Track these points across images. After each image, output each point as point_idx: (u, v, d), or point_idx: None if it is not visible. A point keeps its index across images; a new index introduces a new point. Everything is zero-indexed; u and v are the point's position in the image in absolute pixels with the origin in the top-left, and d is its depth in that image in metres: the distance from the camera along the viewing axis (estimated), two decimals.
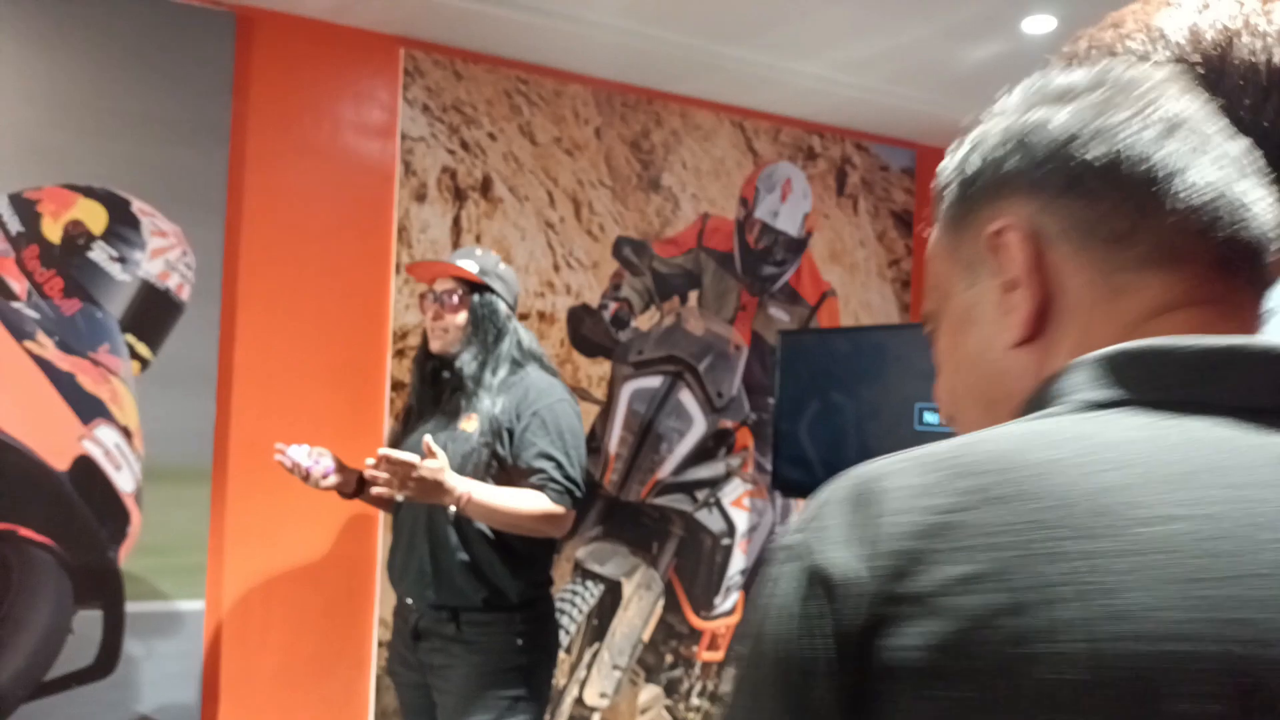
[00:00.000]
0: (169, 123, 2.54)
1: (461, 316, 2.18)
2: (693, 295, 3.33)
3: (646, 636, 3.22)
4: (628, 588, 3.18)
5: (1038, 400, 0.55)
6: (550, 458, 2.09)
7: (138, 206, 2.50)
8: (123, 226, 2.48)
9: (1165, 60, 0.66)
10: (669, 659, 3.27)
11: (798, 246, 3.53)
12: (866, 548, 0.47)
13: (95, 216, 2.45)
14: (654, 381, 3.25)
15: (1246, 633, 0.43)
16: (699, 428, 3.33)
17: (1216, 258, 0.53)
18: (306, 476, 2.12)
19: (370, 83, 2.84)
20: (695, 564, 3.31)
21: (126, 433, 2.47)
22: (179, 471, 2.54)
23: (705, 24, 2.83)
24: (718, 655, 3.36)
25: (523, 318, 3.01)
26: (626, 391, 3.20)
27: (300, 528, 2.72)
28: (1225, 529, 0.45)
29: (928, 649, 0.44)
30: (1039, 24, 2.73)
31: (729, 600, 3.38)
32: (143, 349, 2.50)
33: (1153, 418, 0.49)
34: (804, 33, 2.86)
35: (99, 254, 2.45)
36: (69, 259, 2.42)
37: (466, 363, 2.16)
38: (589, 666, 3.12)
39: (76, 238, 2.43)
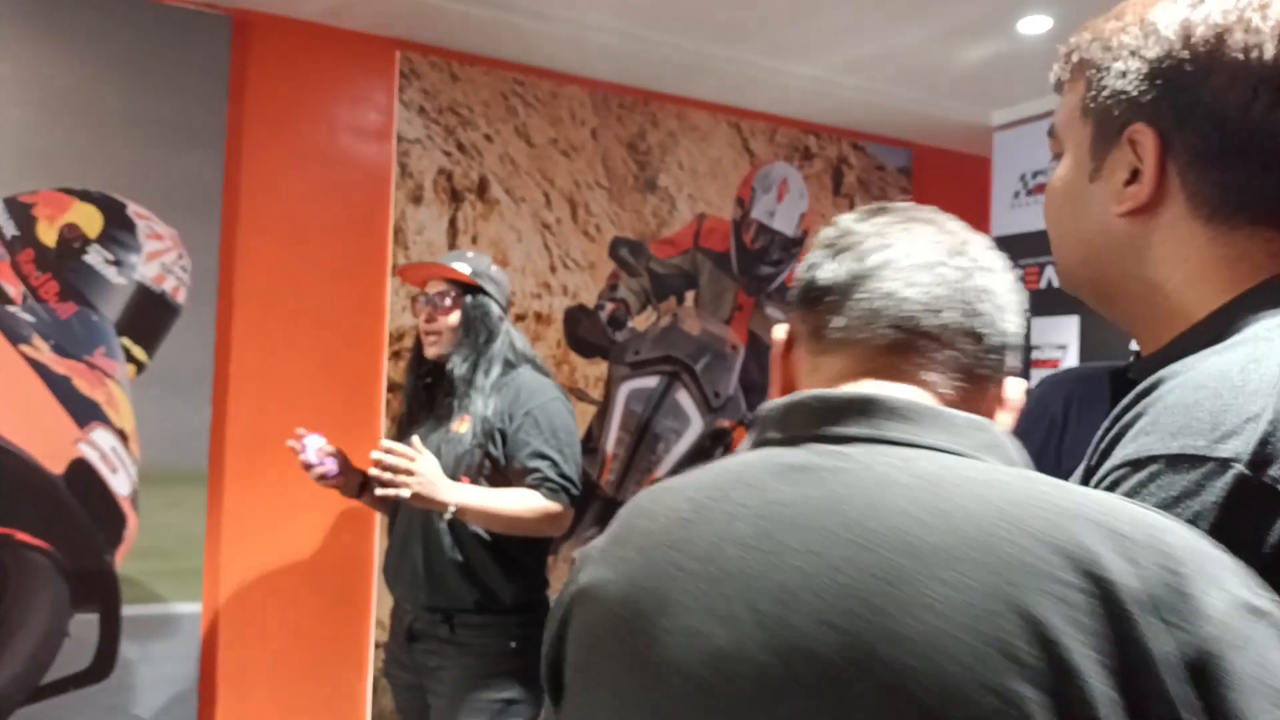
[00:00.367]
0: (165, 126, 2.53)
1: (454, 318, 2.18)
2: (689, 295, 3.33)
3: None
4: None
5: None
6: (544, 456, 2.09)
7: (133, 209, 2.49)
8: (118, 230, 2.48)
9: (1151, 56, 0.71)
10: None
11: (794, 246, 3.53)
12: None
13: (91, 220, 2.45)
14: (651, 382, 3.25)
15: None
16: (696, 428, 3.33)
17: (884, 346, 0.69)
18: (309, 468, 2.14)
19: (366, 85, 2.84)
20: None
21: (122, 436, 2.47)
22: (175, 474, 2.54)
23: (701, 25, 2.83)
24: None
25: (519, 319, 3.01)
26: (623, 392, 3.20)
27: (297, 530, 2.72)
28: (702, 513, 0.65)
29: None
30: (1035, 24, 2.73)
31: None
32: (139, 352, 2.50)
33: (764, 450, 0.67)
34: (800, 34, 2.86)
35: (94, 257, 2.45)
36: (64, 262, 2.42)
37: (458, 364, 2.16)
38: None
39: (72, 241, 2.43)
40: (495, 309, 2.20)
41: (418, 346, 2.28)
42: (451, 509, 1.98)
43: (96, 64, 2.47)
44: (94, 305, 2.45)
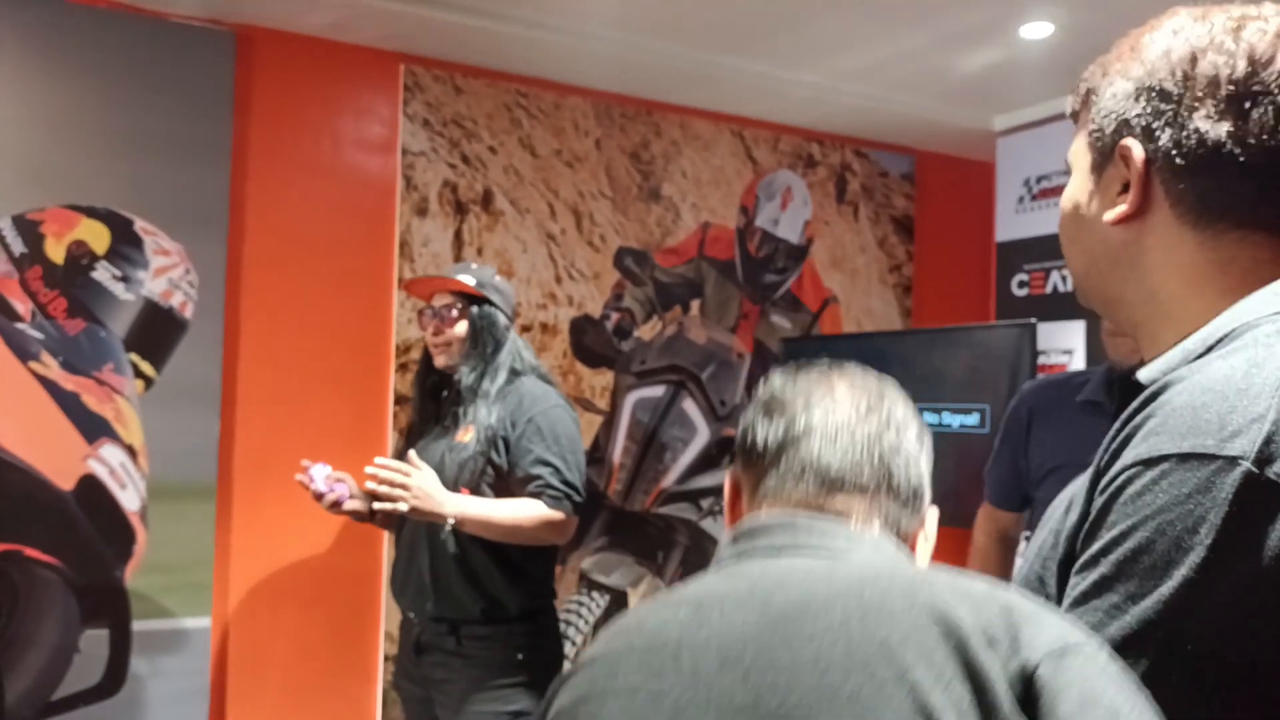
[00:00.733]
0: (170, 142, 2.55)
1: (461, 328, 2.18)
2: (694, 304, 3.33)
3: None
4: (634, 598, 3.18)
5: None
6: (547, 463, 2.08)
7: (140, 226, 2.51)
8: (125, 246, 2.49)
9: (1136, 76, 0.78)
10: None
11: (799, 254, 3.53)
12: None
13: (98, 236, 2.46)
14: (657, 391, 3.26)
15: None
16: (703, 436, 3.33)
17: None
18: (320, 498, 2.14)
19: (371, 99, 2.85)
20: (701, 572, 3.31)
21: (131, 451, 2.47)
22: (184, 489, 2.55)
23: (703, 35, 2.84)
24: None
25: (525, 329, 3.01)
26: (630, 401, 3.21)
27: (306, 543, 2.73)
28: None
29: None
30: (1037, 30, 2.74)
31: None
32: (146, 367, 2.51)
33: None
34: (802, 42, 2.87)
35: (102, 274, 2.46)
36: (72, 279, 2.43)
37: (465, 374, 2.16)
38: None
39: (80, 258, 2.44)
40: (501, 319, 2.21)
41: (425, 358, 2.28)
42: (451, 521, 1.99)
43: (102, 81, 2.48)
44: (102, 321, 2.45)
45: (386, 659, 2.76)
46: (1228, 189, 0.74)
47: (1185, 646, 0.62)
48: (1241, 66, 0.73)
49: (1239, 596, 0.61)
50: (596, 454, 3.14)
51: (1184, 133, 0.74)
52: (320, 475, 2.15)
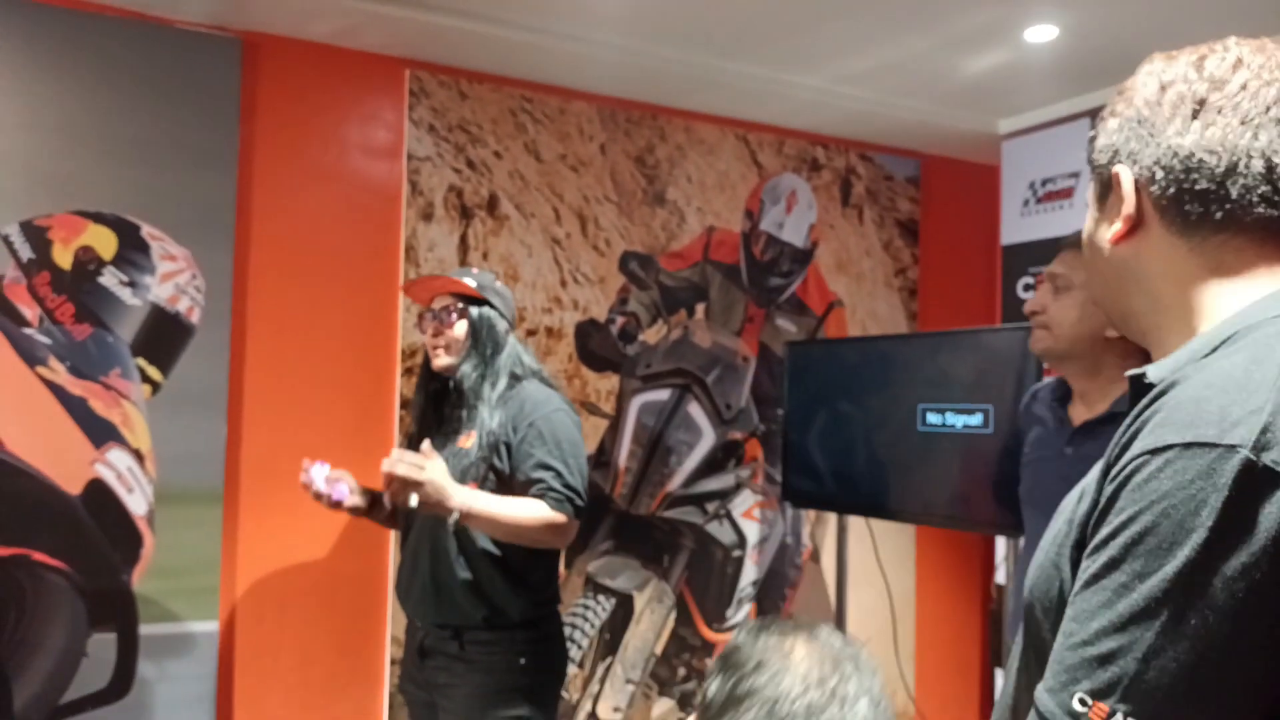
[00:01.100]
0: (177, 148, 2.56)
1: (460, 328, 2.17)
2: (700, 308, 3.34)
3: (659, 649, 3.23)
4: (639, 601, 3.19)
5: None
6: (549, 467, 2.07)
7: (147, 231, 2.52)
8: (132, 251, 2.50)
9: (1125, 111, 0.89)
10: (682, 672, 3.27)
11: (804, 257, 3.53)
12: None
13: (105, 242, 2.47)
14: (662, 394, 3.26)
15: None
16: (708, 440, 3.33)
17: None
18: (318, 497, 2.15)
19: (376, 104, 2.86)
20: (707, 576, 3.31)
21: (138, 456, 2.48)
22: (191, 494, 2.55)
23: (707, 39, 2.84)
24: None
25: (530, 334, 3.02)
26: (635, 405, 3.21)
27: (312, 548, 2.73)
28: None
29: None
30: (1041, 33, 2.74)
31: (741, 612, 3.37)
32: (154, 372, 2.52)
33: None
34: (806, 45, 2.87)
35: (109, 279, 2.47)
36: (80, 284, 2.44)
37: (466, 374, 2.16)
38: (602, 680, 3.12)
39: (87, 263, 2.45)
40: (501, 322, 2.20)
41: (425, 364, 2.28)
42: (456, 514, 1.97)
43: (108, 87, 2.50)
44: (109, 326, 2.47)
45: (393, 663, 2.77)
46: (1205, 197, 0.82)
47: (1189, 622, 0.67)
48: (1202, 89, 0.84)
49: (1238, 574, 0.66)
50: (602, 458, 3.14)
51: (1160, 150, 0.84)
52: (319, 475, 2.15)
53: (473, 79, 2.97)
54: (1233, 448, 0.68)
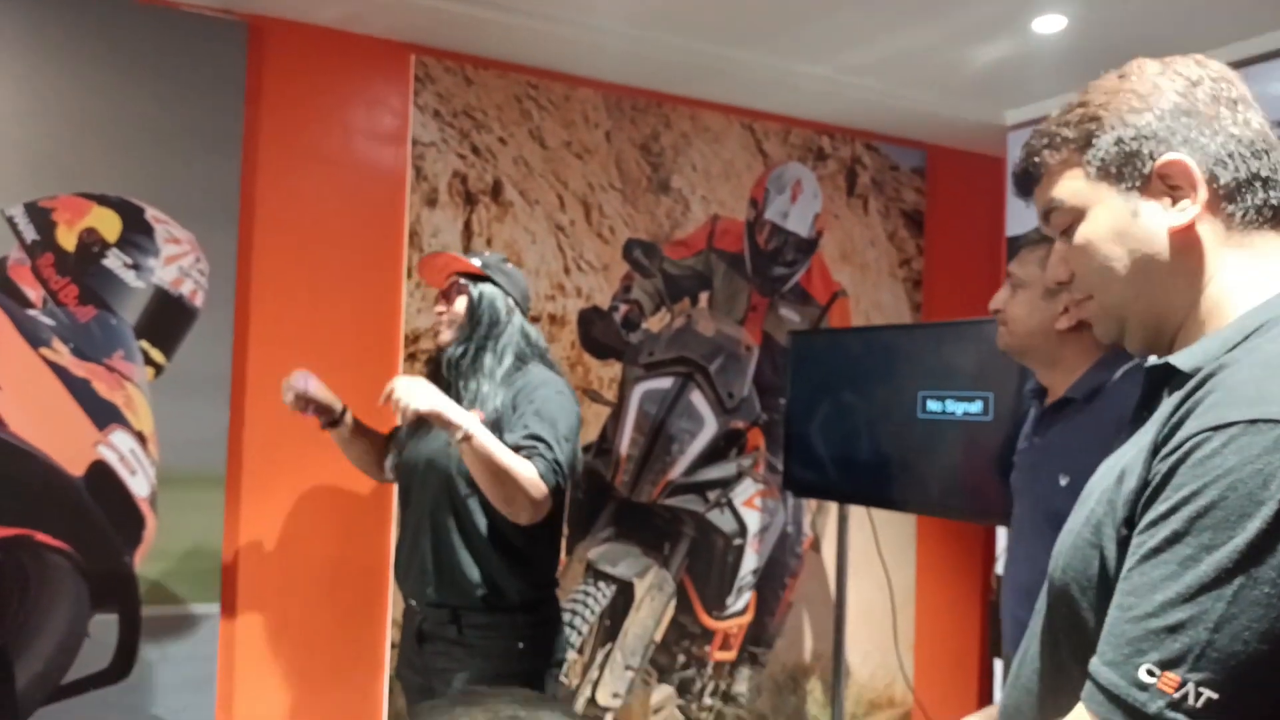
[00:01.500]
0: (182, 131, 2.56)
1: (461, 304, 2.19)
2: (703, 297, 3.33)
3: (659, 637, 3.23)
4: (640, 588, 3.19)
5: None
6: (540, 439, 2.04)
7: (151, 214, 2.52)
8: (137, 234, 2.50)
9: (1154, 107, 0.91)
10: (681, 659, 3.28)
11: (808, 247, 3.53)
12: None
13: (109, 224, 2.47)
14: (665, 383, 3.26)
15: None
16: (710, 429, 3.33)
17: None
18: (297, 399, 2.24)
19: (381, 89, 2.85)
20: (707, 564, 3.32)
21: (141, 438, 2.49)
22: (193, 476, 2.56)
23: (713, 27, 2.83)
24: (730, 655, 3.36)
25: (534, 320, 3.02)
26: (637, 393, 3.21)
27: (314, 531, 2.74)
28: None
29: None
30: (1050, 24, 2.72)
31: (741, 600, 3.38)
32: (157, 355, 2.52)
33: None
34: (812, 34, 2.86)
35: (113, 261, 2.47)
36: (84, 266, 2.44)
37: (455, 349, 2.17)
38: (601, 667, 3.13)
39: (91, 245, 2.45)
40: (503, 299, 2.20)
41: (438, 349, 2.30)
42: (463, 431, 1.93)
43: (114, 70, 2.49)
44: (113, 309, 2.47)
45: (394, 647, 2.78)
46: (1268, 184, 0.86)
47: (1261, 589, 0.69)
48: (1226, 88, 0.89)
49: None
50: (604, 445, 3.15)
51: (1224, 138, 0.86)
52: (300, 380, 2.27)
53: (478, 65, 2.97)
54: None
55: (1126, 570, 0.76)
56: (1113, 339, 0.96)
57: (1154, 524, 0.75)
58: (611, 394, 3.17)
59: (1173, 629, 0.71)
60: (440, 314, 2.23)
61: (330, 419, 2.32)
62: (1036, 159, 0.95)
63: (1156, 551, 0.74)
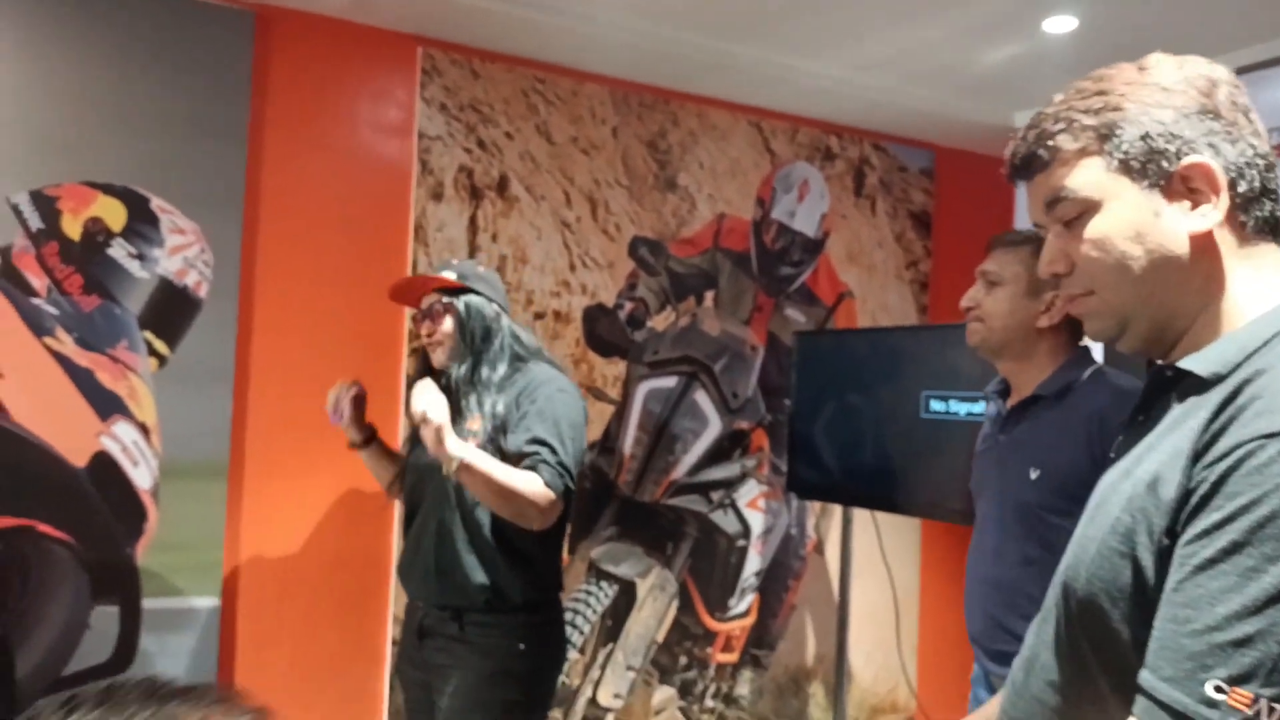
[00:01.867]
0: (188, 120, 2.55)
1: (449, 323, 2.17)
2: (709, 295, 3.32)
3: (661, 637, 3.22)
4: (642, 588, 3.18)
5: None
6: (544, 442, 2.03)
7: (157, 204, 2.51)
8: (142, 224, 2.49)
9: (1175, 104, 0.89)
10: (683, 660, 3.26)
11: (815, 247, 3.51)
12: None
13: (114, 214, 2.47)
14: (669, 382, 3.25)
15: None
16: (714, 428, 3.32)
17: None
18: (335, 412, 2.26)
19: (388, 81, 2.85)
20: (710, 565, 3.30)
21: (144, 429, 2.48)
22: (196, 468, 2.55)
23: (722, 24, 2.82)
24: (732, 657, 3.35)
25: (538, 317, 3.01)
26: (641, 391, 3.20)
27: (316, 525, 2.73)
28: None
29: None
30: (1060, 24, 2.71)
31: (744, 602, 3.37)
32: (161, 346, 2.51)
33: None
34: (822, 33, 2.85)
35: (118, 251, 2.47)
36: (88, 256, 2.44)
37: (455, 369, 2.16)
38: (603, 667, 3.12)
39: (96, 234, 2.45)
40: (490, 307, 2.18)
41: (423, 357, 2.28)
42: (455, 462, 1.91)
43: (121, 59, 2.49)
44: (117, 299, 2.46)
45: (395, 642, 2.76)
46: (1260, 203, 0.86)
47: None
48: (1240, 95, 0.88)
49: None
50: (607, 444, 3.13)
51: (1243, 146, 0.85)
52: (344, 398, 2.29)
53: (485, 58, 2.96)
54: None
55: (1177, 582, 0.73)
56: (1107, 337, 0.92)
57: (1207, 533, 0.72)
58: (615, 392, 3.16)
59: (1240, 643, 0.67)
60: (428, 336, 2.20)
61: (352, 441, 2.34)
62: (1051, 142, 0.91)
63: (1213, 562, 0.71)
